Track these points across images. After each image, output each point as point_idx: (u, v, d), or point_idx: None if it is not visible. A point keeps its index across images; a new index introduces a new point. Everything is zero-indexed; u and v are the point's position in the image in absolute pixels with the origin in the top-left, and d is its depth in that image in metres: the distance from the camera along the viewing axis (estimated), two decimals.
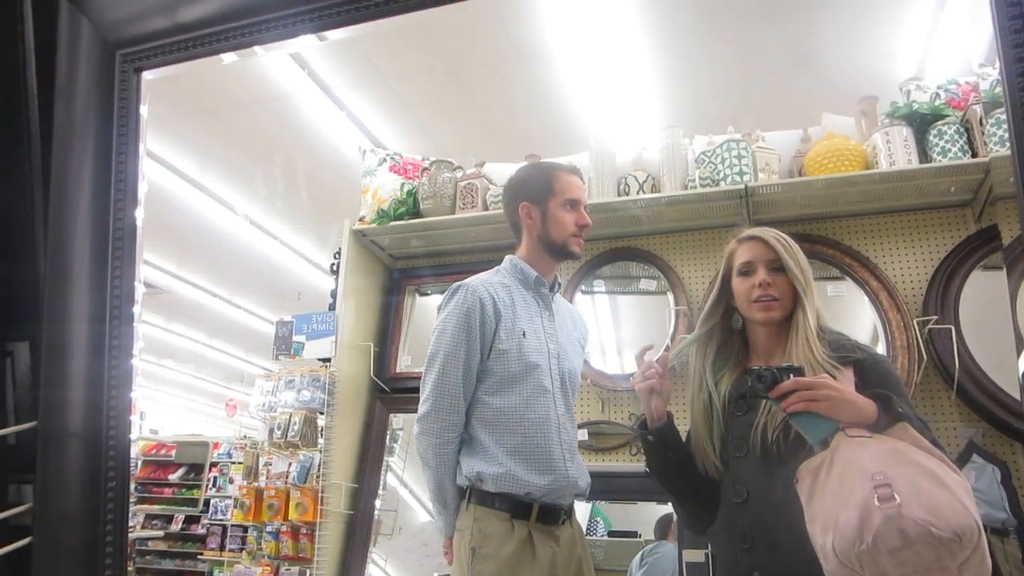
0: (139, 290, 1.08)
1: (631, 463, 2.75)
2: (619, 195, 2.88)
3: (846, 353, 1.49)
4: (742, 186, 2.63)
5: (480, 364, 1.78)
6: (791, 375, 1.35)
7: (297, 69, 4.14)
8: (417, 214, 3.15)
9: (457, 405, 1.75)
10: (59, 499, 0.95)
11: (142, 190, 1.09)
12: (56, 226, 0.99)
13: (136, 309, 1.06)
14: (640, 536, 3.33)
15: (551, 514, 1.74)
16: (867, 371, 1.47)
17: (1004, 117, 2.34)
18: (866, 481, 1.21)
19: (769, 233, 1.62)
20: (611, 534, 3.47)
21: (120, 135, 1.00)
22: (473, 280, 1.85)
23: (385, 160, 3.35)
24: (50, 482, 0.95)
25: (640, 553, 3.05)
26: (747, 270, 1.61)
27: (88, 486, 0.96)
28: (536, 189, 1.89)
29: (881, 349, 2.47)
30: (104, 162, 1.04)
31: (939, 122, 2.53)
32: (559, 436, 1.77)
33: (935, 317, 2.43)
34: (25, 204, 1.00)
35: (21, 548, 0.95)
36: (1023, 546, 2.15)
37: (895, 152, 2.53)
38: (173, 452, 9.44)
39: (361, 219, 3.23)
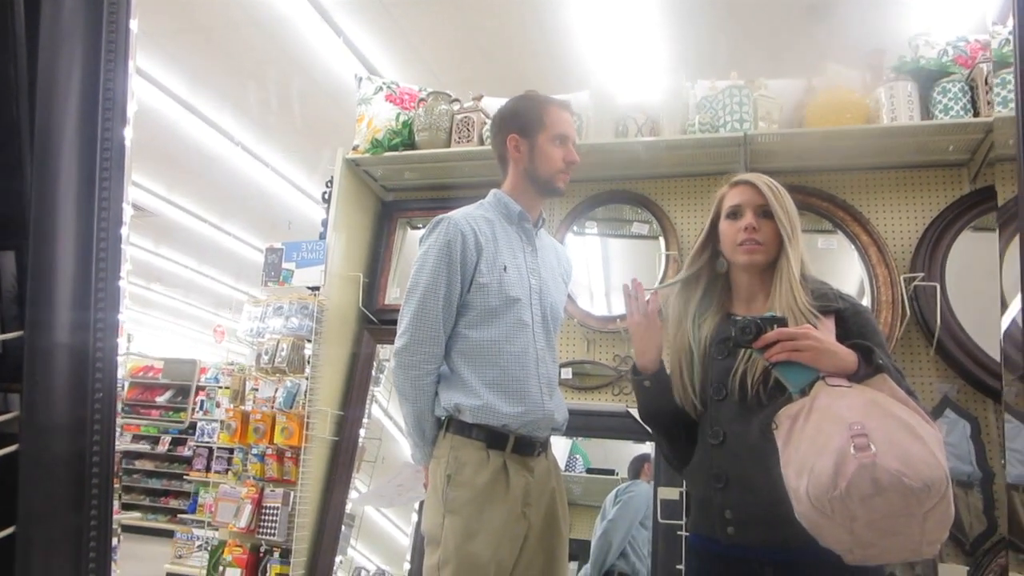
0: (127, 211, 1.06)
1: (613, 402, 2.80)
2: (617, 136, 2.85)
3: (828, 302, 1.50)
4: (741, 134, 2.61)
5: (460, 298, 1.78)
6: (775, 326, 1.37)
7: None
8: (412, 146, 3.11)
9: (437, 338, 1.75)
10: (46, 409, 0.96)
11: (131, 109, 1.06)
12: (42, 138, 0.97)
13: (124, 231, 1.05)
14: (617, 474, 3.42)
15: (527, 445, 1.77)
16: (848, 321, 1.49)
17: (1010, 77, 2.32)
18: (843, 430, 1.23)
19: (760, 179, 1.62)
20: (589, 471, 3.56)
21: (109, 46, 0.97)
22: (455, 213, 1.83)
23: (381, 89, 3.29)
24: (37, 392, 0.96)
25: (615, 491, 3.13)
26: (735, 213, 1.62)
27: (75, 397, 0.97)
28: (526, 122, 1.86)
29: (866, 303, 2.49)
30: (92, 76, 1.01)
31: (944, 79, 2.50)
32: (537, 370, 1.79)
33: (921, 274, 2.45)
34: (10, 111, 0.98)
35: (8, 455, 0.97)
36: (985, 497, 2.23)
37: (898, 107, 2.51)
38: (160, 375, 9.53)
39: (355, 148, 3.19)
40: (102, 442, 0.97)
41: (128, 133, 1.02)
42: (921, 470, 1.18)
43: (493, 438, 1.73)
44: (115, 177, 0.99)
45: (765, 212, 1.58)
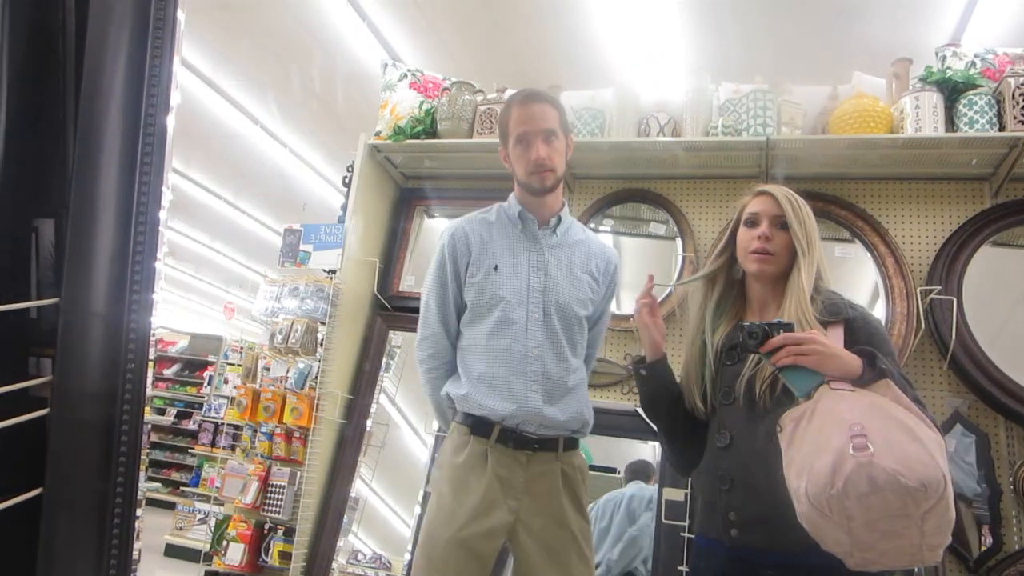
0: (166, 195, 1.08)
1: (622, 401, 2.81)
2: (639, 135, 2.85)
3: (838, 311, 1.52)
4: (764, 138, 2.60)
5: (461, 297, 1.89)
6: (781, 331, 1.38)
7: None
8: (434, 134, 3.11)
9: (438, 336, 1.90)
10: (78, 377, 0.99)
11: (175, 98, 1.08)
12: (87, 118, 0.99)
13: (163, 214, 1.07)
14: (618, 472, 3.42)
15: (518, 439, 1.78)
16: (857, 330, 1.51)
17: None
18: (843, 430, 1.25)
19: (781, 190, 1.65)
20: (590, 468, 3.56)
21: (155, 39, 0.98)
22: (461, 219, 1.95)
23: (406, 76, 3.30)
24: (71, 360, 0.98)
25: (647, 497, 3.05)
26: (752, 221, 1.65)
27: (107, 368, 0.99)
28: (502, 130, 1.93)
29: (880, 314, 2.49)
30: (138, 63, 1.02)
31: (971, 92, 2.49)
32: (525, 367, 1.80)
33: (938, 288, 2.44)
34: (56, 79, 0.99)
35: (38, 419, 0.99)
36: (992, 514, 2.21)
37: (923, 118, 2.49)
38: (171, 348, 9.62)
39: (377, 134, 3.20)
40: (132, 411, 0.99)
41: (171, 121, 1.04)
42: (918, 470, 1.19)
43: (477, 426, 1.79)
44: (156, 162, 1.02)
45: (782, 223, 1.61)
